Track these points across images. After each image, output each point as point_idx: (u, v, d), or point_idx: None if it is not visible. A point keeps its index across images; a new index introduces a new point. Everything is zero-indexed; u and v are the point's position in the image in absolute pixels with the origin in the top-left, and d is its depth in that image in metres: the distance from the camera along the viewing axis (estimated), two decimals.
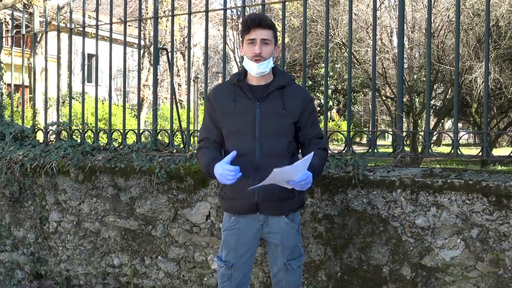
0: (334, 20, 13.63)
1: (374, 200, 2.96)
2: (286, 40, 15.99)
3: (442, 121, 20.14)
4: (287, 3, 4.28)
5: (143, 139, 4.26)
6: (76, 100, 17.56)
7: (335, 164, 3.17)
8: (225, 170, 2.38)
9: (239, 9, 20.18)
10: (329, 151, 3.35)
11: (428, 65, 3.24)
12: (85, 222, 4.06)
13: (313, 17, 14.11)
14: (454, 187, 2.74)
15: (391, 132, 3.37)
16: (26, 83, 14.57)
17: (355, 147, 3.58)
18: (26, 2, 13.50)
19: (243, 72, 2.64)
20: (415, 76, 15.59)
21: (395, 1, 14.54)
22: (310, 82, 25.36)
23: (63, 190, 4.15)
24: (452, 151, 3.11)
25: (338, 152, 3.38)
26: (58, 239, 4.21)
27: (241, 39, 2.61)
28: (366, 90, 25.05)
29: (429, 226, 2.82)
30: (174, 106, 4.13)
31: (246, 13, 3.81)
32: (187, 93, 3.96)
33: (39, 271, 4.34)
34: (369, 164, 3.24)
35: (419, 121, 15.64)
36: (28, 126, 4.86)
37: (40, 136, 4.87)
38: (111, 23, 4.32)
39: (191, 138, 4.00)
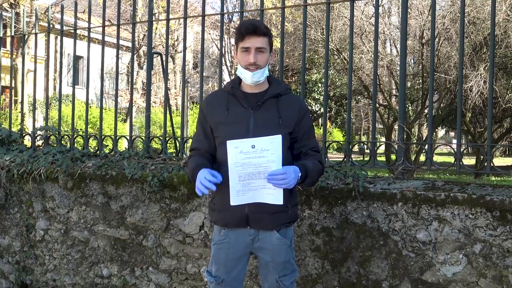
0: None
1: (374, 213, 2.89)
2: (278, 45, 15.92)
3: (436, 130, 20.23)
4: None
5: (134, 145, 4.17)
6: (63, 103, 17.40)
7: (334, 176, 3.09)
8: (208, 176, 2.32)
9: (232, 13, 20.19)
10: (326, 160, 3.30)
11: (431, 75, 3.21)
12: (73, 231, 3.96)
13: (307, 23, 14.09)
14: (457, 201, 2.68)
15: (393, 144, 3.31)
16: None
17: None
18: (12, 2, 13.36)
19: (237, 80, 2.56)
20: (409, 84, 15.61)
21: (389, 8, 14.59)
22: None
23: (51, 197, 4.05)
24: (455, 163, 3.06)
25: (337, 163, 3.31)
26: (44, 248, 4.11)
27: (235, 45, 2.52)
28: (359, 98, 25.10)
29: (431, 241, 2.76)
30: (168, 113, 4.04)
31: (244, 18, 3.75)
32: (181, 98, 3.88)
33: (25, 280, 4.23)
34: (365, 173, 3.17)
35: (412, 130, 15.66)
36: (15, 130, 4.75)
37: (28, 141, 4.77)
38: (103, 26, 4.22)
39: (185, 145, 3.92)
